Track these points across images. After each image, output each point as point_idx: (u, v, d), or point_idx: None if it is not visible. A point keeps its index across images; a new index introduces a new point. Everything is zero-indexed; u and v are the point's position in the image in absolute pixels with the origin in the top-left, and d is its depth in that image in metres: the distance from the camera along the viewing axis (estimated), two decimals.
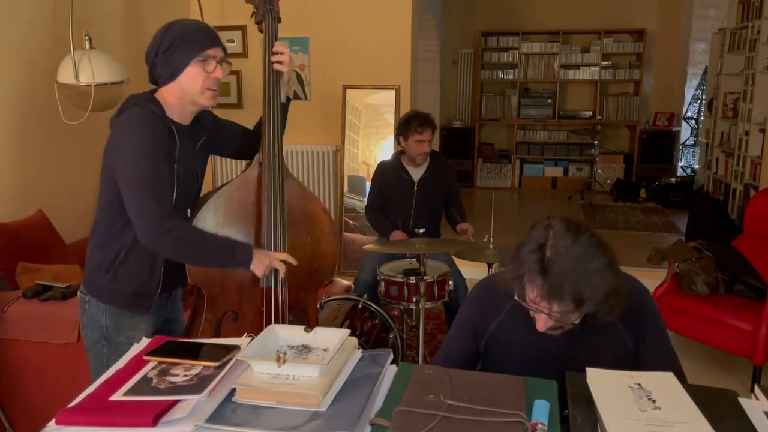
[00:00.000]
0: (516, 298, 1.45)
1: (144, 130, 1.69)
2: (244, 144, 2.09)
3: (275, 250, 1.90)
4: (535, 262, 1.36)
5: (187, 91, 1.77)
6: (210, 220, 1.87)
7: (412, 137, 3.31)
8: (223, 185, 1.94)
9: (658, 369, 1.53)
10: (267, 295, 1.93)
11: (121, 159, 1.70)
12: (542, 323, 1.43)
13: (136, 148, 1.68)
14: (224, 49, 1.82)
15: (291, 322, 1.94)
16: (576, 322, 1.41)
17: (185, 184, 1.83)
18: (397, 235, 3.33)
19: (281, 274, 1.87)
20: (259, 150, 1.96)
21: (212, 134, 1.97)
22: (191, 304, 2.06)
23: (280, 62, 1.96)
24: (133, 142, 1.69)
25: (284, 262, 1.86)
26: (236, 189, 1.92)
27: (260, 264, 1.81)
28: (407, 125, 3.33)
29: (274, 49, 1.96)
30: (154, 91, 1.81)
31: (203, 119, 1.93)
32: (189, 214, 1.90)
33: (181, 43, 1.73)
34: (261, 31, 2.03)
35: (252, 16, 2.05)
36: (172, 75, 1.75)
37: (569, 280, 1.33)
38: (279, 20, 2.04)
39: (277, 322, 1.92)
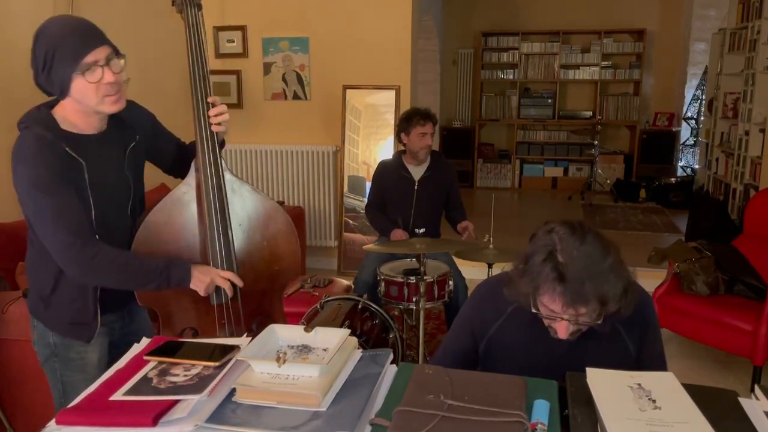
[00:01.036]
0: (533, 310, 1.42)
1: (33, 162, 1.52)
2: (176, 159, 1.93)
3: (223, 259, 1.77)
4: (550, 270, 1.34)
5: (85, 104, 1.59)
6: (150, 235, 1.74)
7: (415, 130, 3.32)
8: (163, 198, 1.81)
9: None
10: (220, 310, 1.81)
11: (19, 193, 1.56)
12: (563, 331, 1.40)
13: (30, 185, 1.53)
14: (110, 44, 1.60)
15: (255, 330, 1.82)
16: (600, 322, 1.38)
17: (108, 200, 1.69)
18: (398, 233, 3.33)
19: (228, 293, 1.74)
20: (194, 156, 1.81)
21: (148, 140, 1.82)
22: (154, 317, 1.94)
23: (219, 123, 1.78)
24: (26, 180, 1.53)
25: (229, 280, 1.74)
26: (175, 201, 1.79)
27: (200, 283, 1.69)
28: (409, 120, 3.35)
29: (213, 111, 1.77)
30: (56, 103, 1.63)
31: (135, 122, 1.77)
32: (132, 222, 1.78)
33: (53, 57, 1.51)
34: (183, 20, 1.85)
35: (173, 5, 1.87)
36: (62, 92, 1.56)
37: (589, 282, 1.32)
38: (200, 7, 1.85)
39: (239, 333, 1.83)
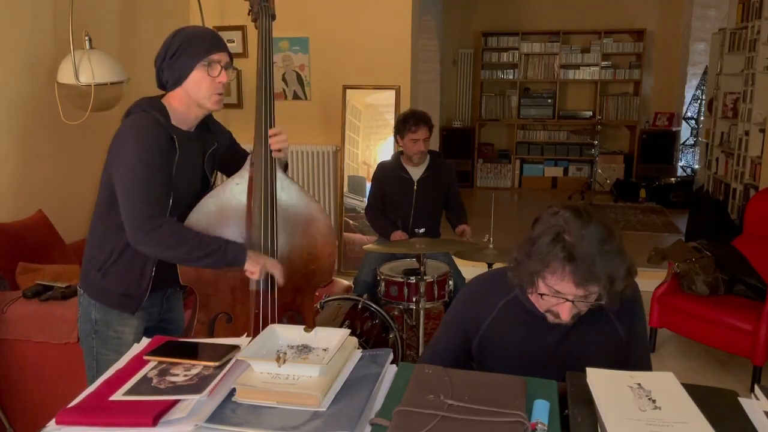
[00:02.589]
0: (538, 293, 1.43)
1: (143, 138, 1.72)
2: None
3: (268, 252, 1.88)
4: (560, 250, 1.34)
5: (193, 96, 1.79)
6: (201, 219, 1.86)
7: (408, 136, 3.32)
8: (216, 187, 1.94)
9: (640, 362, 1.57)
10: (258, 298, 1.91)
11: (119, 163, 1.73)
12: (567, 312, 1.40)
13: (134, 154, 1.70)
14: (230, 54, 1.85)
15: (285, 324, 1.92)
16: (604, 302, 1.39)
17: (185, 191, 1.85)
18: (398, 235, 3.33)
19: (280, 281, 1.86)
20: (252, 150, 1.96)
21: (224, 151, 2.01)
22: (191, 303, 2.05)
23: (279, 150, 1.93)
24: (131, 149, 1.71)
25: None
26: (227, 191, 1.91)
27: (255, 264, 1.79)
28: (403, 124, 3.35)
29: (272, 133, 1.93)
30: (163, 95, 1.84)
31: (216, 131, 1.97)
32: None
33: (186, 48, 1.75)
34: (256, 29, 2.04)
35: (249, 14, 2.07)
36: (178, 80, 1.77)
37: (599, 260, 1.33)
38: (274, 17, 2.05)
39: (271, 323, 1.90)
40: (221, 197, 1.89)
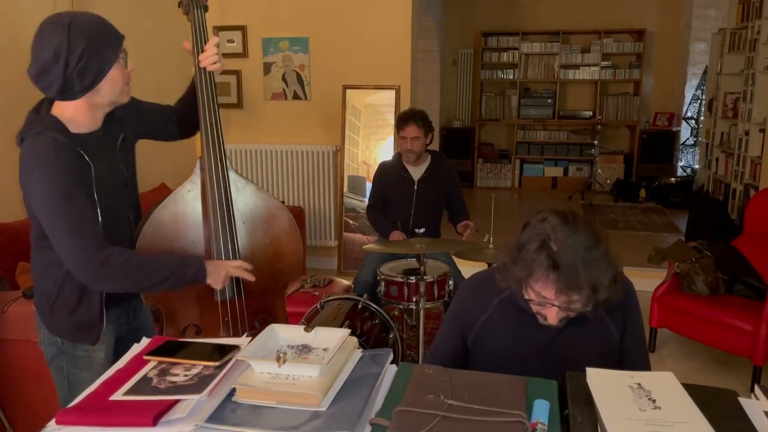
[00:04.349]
0: (525, 297, 1.45)
1: (48, 166, 1.51)
2: (180, 121, 1.93)
3: (228, 256, 1.80)
4: (544, 258, 1.36)
5: (107, 97, 1.61)
6: (156, 232, 1.78)
7: (399, 134, 3.42)
8: (165, 197, 1.84)
9: (637, 362, 1.58)
10: (224, 307, 1.85)
11: (34, 202, 1.55)
12: (554, 317, 1.43)
13: (45, 187, 1.51)
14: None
15: (258, 328, 1.85)
16: (590, 309, 1.41)
17: (112, 193, 1.69)
18: (396, 235, 3.34)
19: (250, 278, 1.77)
20: (201, 153, 1.85)
21: (134, 122, 1.79)
22: (158, 315, 1.96)
23: (214, 62, 1.82)
24: (40, 180, 1.51)
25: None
26: (180, 198, 1.83)
27: (217, 276, 1.70)
28: (396, 122, 3.46)
29: (204, 53, 1.81)
30: (50, 106, 1.61)
31: (117, 112, 1.73)
32: (129, 215, 1.79)
33: (94, 47, 1.52)
34: (189, 21, 1.90)
35: (179, 6, 1.92)
36: (92, 83, 1.56)
37: (582, 269, 1.34)
38: (206, 9, 1.90)
39: (242, 330, 1.86)
40: (174, 207, 1.80)
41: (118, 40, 1.59)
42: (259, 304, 1.92)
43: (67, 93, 1.56)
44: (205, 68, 1.83)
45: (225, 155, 1.85)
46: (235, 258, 1.82)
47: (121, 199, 1.75)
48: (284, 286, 2.00)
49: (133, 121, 1.78)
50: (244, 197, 1.88)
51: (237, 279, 1.82)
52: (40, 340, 1.78)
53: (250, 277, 1.79)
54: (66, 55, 1.49)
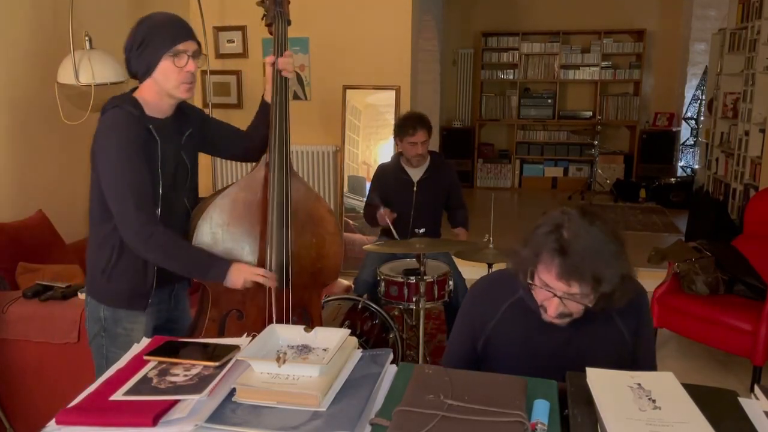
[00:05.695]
0: (528, 281, 1.45)
1: (119, 135, 1.71)
2: (243, 147, 2.10)
3: (278, 247, 1.92)
4: (553, 241, 1.37)
5: (162, 86, 1.78)
6: (216, 219, 1.90)
7: (406, 139, 3.32)
8: (229, 186, 1.96)
9: (646, 367, 1.56)
10: (270, 295, 1.94)
11: (101, 164, 1.75)
12: (553, 308, 1.42)
13: (114, 154, 1.71)
14: (197, 42, 1.82)
15: (294, 322, 1.96)
16: (590, 305, 1.40)
17: (174, 176, 1.86)
18: (384, 212, 3.28)
19: (272, 284, 1.89)
20: (266, 151, 1.98)
21: (200, 130, 1.98)
22: (196, 301, 2.06)
23: (287, 69, 2.01)
24: (110, 148, 1.72)
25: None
26: (242, 189, 1.95)
27: (236, 279, 1.83)
28: (401, 127, 3.34)
29: (283, 58, 2.00)
30: (135, 88, 1.83)
31: (189, 113, 1.94)
32: (187, 204, 1.94)
33: (152, 39, 1.74)
34: (271, 34, 2.06)
35: (263, 19, 2.07)
36: (147, 71, 1.77)
37: (588, 259, 1.34)
38: (289, 23, 2.06)
39: (280, 321, 1.94)
40: (234, 196, 1.93)
41: (176, 39, 1.75)
42: (298, 300, 2.01)
43: (134, 75, 1.80)
44: (281, 72, 2.00)
45: (288, 155, 1.97)
46: (286, 249, 1.93)
47: (181, 185, 1.91)
48: (322, 286, 2.09)
49: (200, 130, 1.97)
50: (298, 196, 2.01)
51: (286, 270, 1.93)
52: (85, 318, 1.95)
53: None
54: (131, 42, 1.76)
